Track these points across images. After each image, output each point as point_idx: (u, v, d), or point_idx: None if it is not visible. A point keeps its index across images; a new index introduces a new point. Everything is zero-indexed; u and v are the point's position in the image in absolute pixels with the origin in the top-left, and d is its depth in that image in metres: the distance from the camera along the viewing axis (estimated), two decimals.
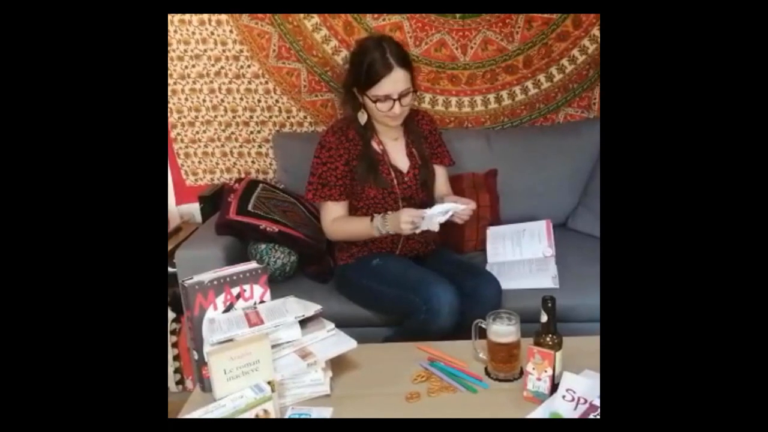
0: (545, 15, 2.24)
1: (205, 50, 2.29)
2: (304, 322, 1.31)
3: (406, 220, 1.57)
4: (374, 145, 1.77)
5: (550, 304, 1.22)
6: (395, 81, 1.63)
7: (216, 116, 2.38)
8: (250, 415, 1.14)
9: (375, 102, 1.66)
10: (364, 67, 1.64)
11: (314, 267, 1.94)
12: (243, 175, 2.42)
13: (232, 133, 2.40)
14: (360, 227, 1.72)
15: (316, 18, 2.25)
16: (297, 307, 1.32)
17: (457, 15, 2.24)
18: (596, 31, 2.27)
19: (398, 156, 1.80)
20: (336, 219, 1.77)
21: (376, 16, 2.24)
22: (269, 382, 1.18)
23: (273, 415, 1.17)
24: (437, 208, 1.58)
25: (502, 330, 1.29)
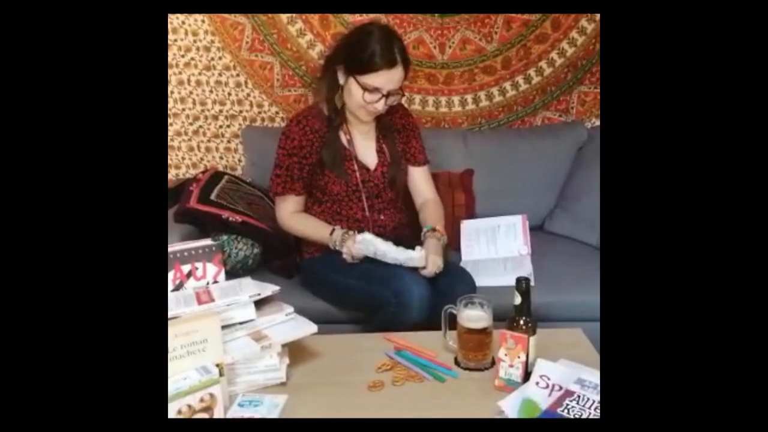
0: (524, 16, 2.21)
1: (176, 40, 2.21)
2: (260, 305, 1.21)
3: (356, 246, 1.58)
4: (342, 136, 1.69)
5: (524, 286, 1.14)
6: (392, 78, 1.56)
7: (184, 109, 2.29)
8: (194, 398, 1.03)
9: (363, 90, 1.57)
10: (367, 52, 1.53)
11: (279, 261, 1.84)
12: None
13: (200, 126, 2.31)
14: (318, 234, 1.67)
15: None
16: (253, 287, 1.22)
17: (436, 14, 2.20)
18: (575, 34, 2.24)
19: (366, 151, 1.71)
20: (295, 213, 1.71)
21: None
22: (218, 365, 1.08)
23: (220, 401, 1.06)
24: (391, 253, 1.55)
25: (474, 315, 1.21)
